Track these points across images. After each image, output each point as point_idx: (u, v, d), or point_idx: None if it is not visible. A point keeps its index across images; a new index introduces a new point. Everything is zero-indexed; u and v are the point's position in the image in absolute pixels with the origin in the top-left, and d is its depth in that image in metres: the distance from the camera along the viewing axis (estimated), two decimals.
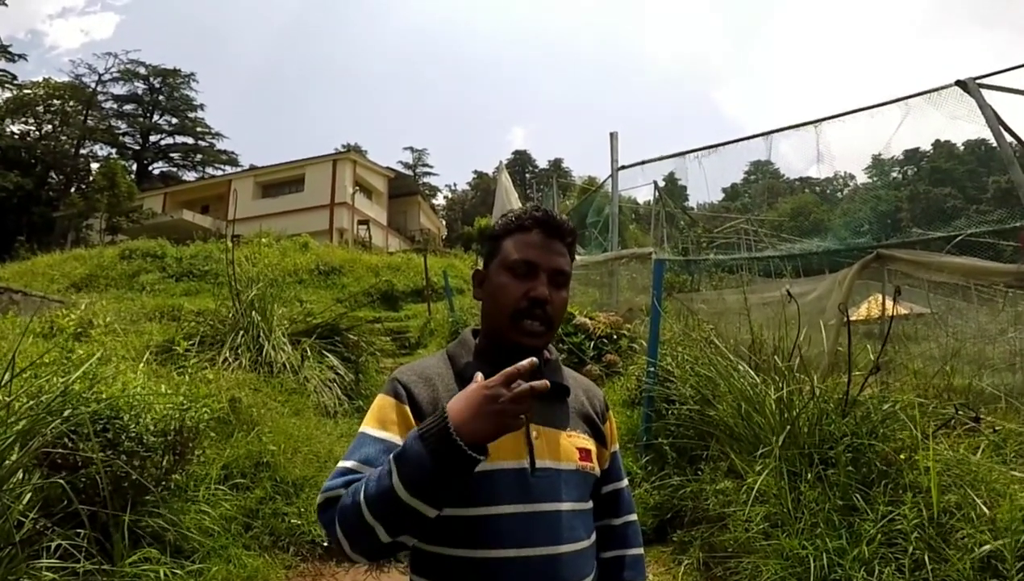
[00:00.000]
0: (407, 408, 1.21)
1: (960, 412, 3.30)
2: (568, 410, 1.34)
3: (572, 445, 1.28)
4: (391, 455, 1.05)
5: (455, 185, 68.49)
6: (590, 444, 1.33)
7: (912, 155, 50.73)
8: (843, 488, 2.94)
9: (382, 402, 1.25)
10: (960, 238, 5.27)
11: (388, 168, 38.13)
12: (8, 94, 38.64)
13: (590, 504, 1.31)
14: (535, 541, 1.16)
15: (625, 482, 1.47)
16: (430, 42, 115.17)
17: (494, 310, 1.29)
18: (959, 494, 2.67)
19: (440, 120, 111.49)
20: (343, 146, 50.62)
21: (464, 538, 1.15)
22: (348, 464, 1.16)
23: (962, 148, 49.47)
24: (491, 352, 1.31)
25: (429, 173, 63.64)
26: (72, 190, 37.61)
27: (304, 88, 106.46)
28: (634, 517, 1.46)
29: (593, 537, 1.29)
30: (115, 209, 28.31)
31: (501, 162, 18.65)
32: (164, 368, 5.10)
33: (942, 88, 6.46)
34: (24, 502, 2.85)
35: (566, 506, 1.22)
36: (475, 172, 65.05)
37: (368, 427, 1.22)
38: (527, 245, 1.28)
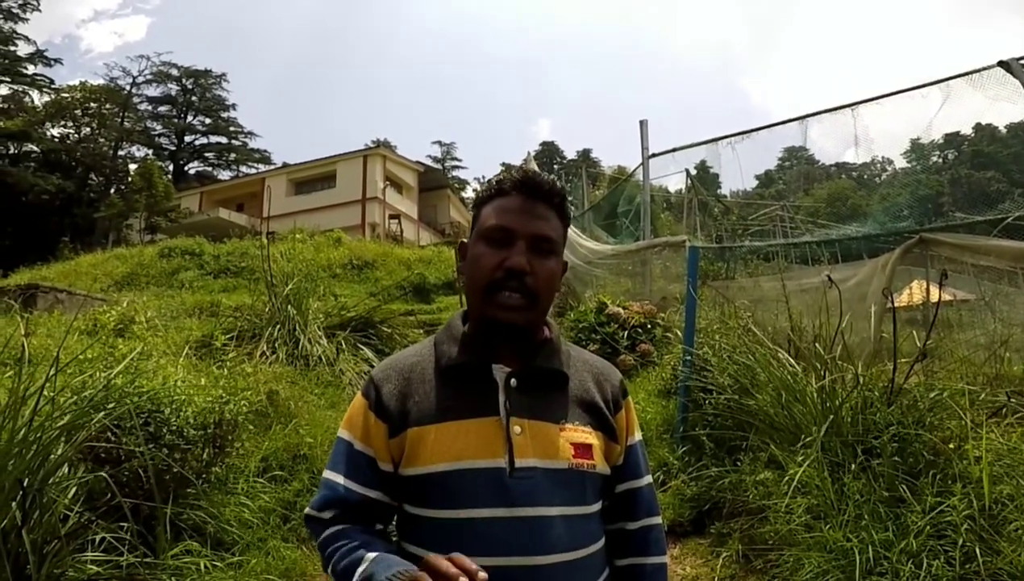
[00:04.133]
0: (372, 413, 1.17)
1: (1012, 400, 3.18)
2: (567, 399, 1.20)
3: (566, 440, 1.14)
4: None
5: (484, 178, 68.36)
6: (592, 438, 1.18)
7: (952, 139, 49.22)
8: (889, 479, 2.86)
9: (355, 401, 1.23)
10: (1007, 221, 5.09)
11: (417, 162, 38.23)
12: (47, 98, 39.80)
13: (593, 507, 1.18)
14: (514, 550, 1.06)
15: (646, 480, 1.31)
16: (455, 36, 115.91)
17: (470, 283, 1.19)
18: (1012, 484, 2.58)
19: (467, 114, 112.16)
20: (373, 142, 50.95)
21: (441, 543, 1.04)
22: (327, 475, 1.18)
23: (1005, 131, 47.79)
24: (477, 333, 1.21)
25: (458, 166, 63.97)
26: (112, 191, 38.54)
27: (333, 85, 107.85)
28: (656, 521, 1.30)
29: (596, 545, 1.17)
30: (153, 209, 28.94)
31: (529, 153, 18.63)
32: (203, 362, 5.19)
33: (984, 69, 6.22)
34: (70, 496, 2.92)
35: (555, 510, 1.10)
36: (503, 164, 64.56)
37: (341, 429, 1.21)
38: (504, 210, 1.17)
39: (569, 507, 1.12)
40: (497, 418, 1.14)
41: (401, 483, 1.15)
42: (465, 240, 1.27)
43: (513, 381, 1.17)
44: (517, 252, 1.14)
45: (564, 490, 1.12)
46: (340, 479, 1.16)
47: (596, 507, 1.19)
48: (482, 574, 0.89)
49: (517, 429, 1.12)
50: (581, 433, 1.18)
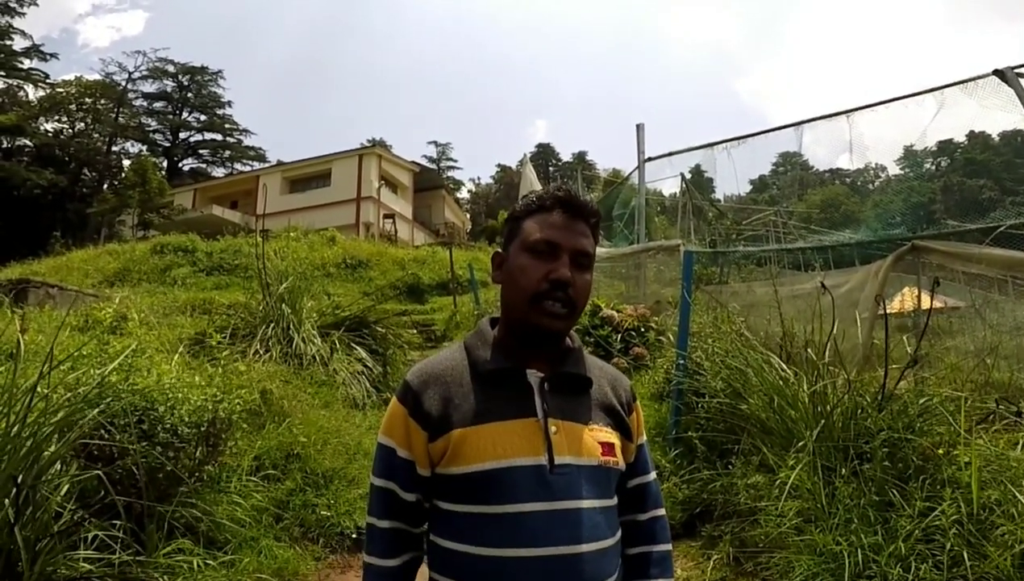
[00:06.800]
0: (412, 420, 1.23)
1: (1001, 407, 3.21)
2: (590, 402, 1.30)
3: (594, 439, 1.24)
4: None
5: (479, 179, 68.33)
6: (613, 438, 1.28)
7: (945, 146, 49.47)
8: (879, 483, 2.89)
9: (394, 408, 1.27)
10: (999, 230, 5.13)
11: (413, 162, 38.23)
12: (41, 93, 39.60)
13: (614, 500, 1.28)
14: (556, 540, 1.14)
15: (652, 475, 1.42)
16: (452, 36, 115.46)
17: (514, 292, 1.25)
18: (999, 490, 2.60)
19: (463, 114, 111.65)
20: (368, 141, 50.74)
21: (483, 536, 1.15)
22: (379, 482, 1.26)
23: (997, 139, 48.18)
24: (510, 339, 1.28)
25: (453, 167, 63.74)
26: (105, 187, 38.43)
27: (329, 84, 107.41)
28: (662, 512, 1.41)
29: (618, 535, 1.26)
30: (146, 205, 28.82)
31: (525, 155, 18.69)
32: (197, 360, 5.17)
33: (979, 77, 6.29)
34: (62, 493, 2.90)
35: (588, 503, 1.19)
36: (498, 165, 64.96)
37: (382, 435, 1.27)
38: (548, 225, 1.24)
39: (599, 500, 1.22)
40: (535, 419, 1.22)
41: (440, 482, 1.23)
42: (499, 250, 1.36)
43: (546, 385, 1.25)
44: (563, 265, 1.22)
45: (595, 485, 1.22)
46: (393, 485, 1.24)
47: (615, 501, 1.29)
48: None
49: (553, 429, 1.21)
50: (605, 433, 1.27)
